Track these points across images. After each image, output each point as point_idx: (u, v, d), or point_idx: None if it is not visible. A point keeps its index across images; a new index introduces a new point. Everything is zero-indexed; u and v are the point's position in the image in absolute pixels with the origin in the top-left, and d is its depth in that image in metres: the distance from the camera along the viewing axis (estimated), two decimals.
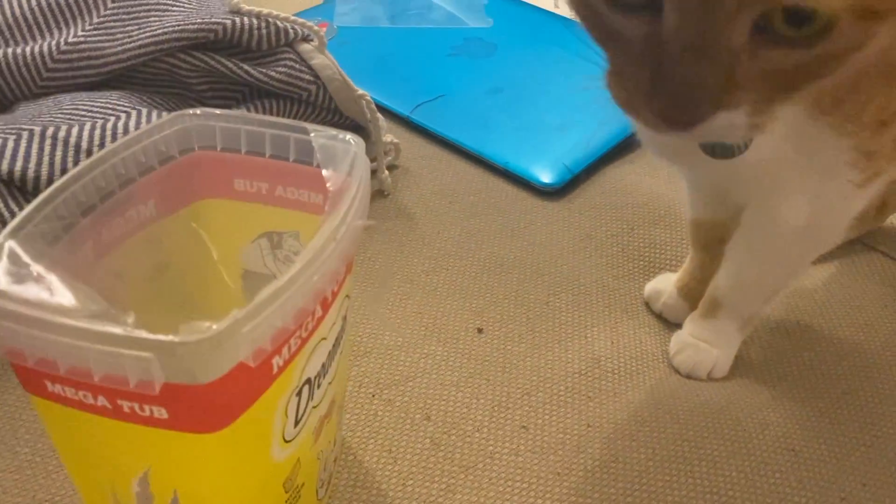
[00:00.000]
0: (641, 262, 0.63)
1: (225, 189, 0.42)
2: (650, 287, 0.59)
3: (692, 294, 0.55)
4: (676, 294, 0.56)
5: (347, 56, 0.80)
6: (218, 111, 0.40)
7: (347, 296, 0.39)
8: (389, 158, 0.72)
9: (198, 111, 0.40)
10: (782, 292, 0.51)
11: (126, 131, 0.55)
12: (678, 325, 0.56)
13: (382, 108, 0.76)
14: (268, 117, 0.41)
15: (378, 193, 0.69)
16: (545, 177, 0.69)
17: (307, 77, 0.65)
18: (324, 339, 0.36)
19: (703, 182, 0.53)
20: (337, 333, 0.38)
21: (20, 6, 0.65)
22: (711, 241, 0.53)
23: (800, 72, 0.29)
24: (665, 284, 0.58)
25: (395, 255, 0.63)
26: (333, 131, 0.40)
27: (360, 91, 0.67)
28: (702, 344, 0.53)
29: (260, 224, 0.43)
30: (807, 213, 0.44)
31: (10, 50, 0.62)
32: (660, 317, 0.58)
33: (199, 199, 0.42)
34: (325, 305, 0.35)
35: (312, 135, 0.40)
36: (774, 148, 0.40)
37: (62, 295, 0.29)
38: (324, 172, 0.38)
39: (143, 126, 0.44)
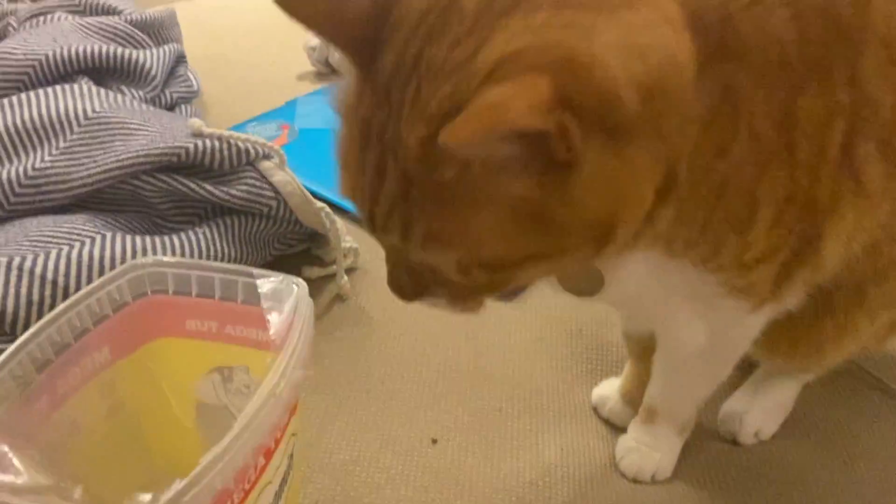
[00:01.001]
0: (589, 365, 0.65)
1: (177, 328, 0.44)
2: (597, 393, 0.61)
3: (635, 400, 0.58)
4: (621, 400, 0.59)
5: (308, 157, 0.83)
6: (169, 259, 0.43)
7: (294, 434, 0.41)
8: (348, 262, 0.75)
9: (149, 259, 0.43)
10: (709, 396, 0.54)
11: (91, 258, 0.57)
12: (626, 429, 0.58)
13: (342, 210, 0.79)
14: (216, 263, 0.44)
15: (337, 298, 0.71)
16: None
17: (268, 194, 0.68)
18: (269, 483, 0.38)
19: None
20: (283, 473, 0.40)
21: None
22: (644, 351, 0.56)
23: (469, 291, 0.39)
24: (610, 390, 0.60)
25: (353, 363, 0.64)
26: (278, 276, 0.42)
27: (319, 204, 0.70)
28: (644, 448, 0.55)
29: (211, 360, 0.45)
30: (704, 336, 0.47)
31: None
32: (607, 421, 0.60)
33: (153, 339, 0.44)
34: (269, 454, 0.37)
35: (259, 280, 0.42)
36: (638, 282, 0.43)
37: (10, 468, 0.31)
38: (268, 318, 0.41)
39: (101, 269, 0.46)
